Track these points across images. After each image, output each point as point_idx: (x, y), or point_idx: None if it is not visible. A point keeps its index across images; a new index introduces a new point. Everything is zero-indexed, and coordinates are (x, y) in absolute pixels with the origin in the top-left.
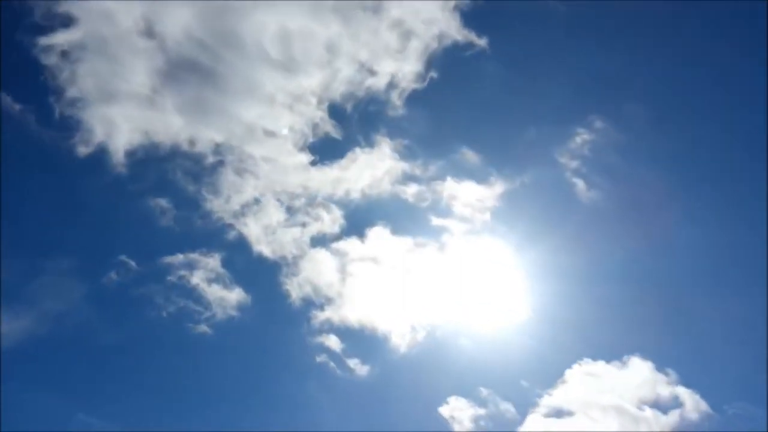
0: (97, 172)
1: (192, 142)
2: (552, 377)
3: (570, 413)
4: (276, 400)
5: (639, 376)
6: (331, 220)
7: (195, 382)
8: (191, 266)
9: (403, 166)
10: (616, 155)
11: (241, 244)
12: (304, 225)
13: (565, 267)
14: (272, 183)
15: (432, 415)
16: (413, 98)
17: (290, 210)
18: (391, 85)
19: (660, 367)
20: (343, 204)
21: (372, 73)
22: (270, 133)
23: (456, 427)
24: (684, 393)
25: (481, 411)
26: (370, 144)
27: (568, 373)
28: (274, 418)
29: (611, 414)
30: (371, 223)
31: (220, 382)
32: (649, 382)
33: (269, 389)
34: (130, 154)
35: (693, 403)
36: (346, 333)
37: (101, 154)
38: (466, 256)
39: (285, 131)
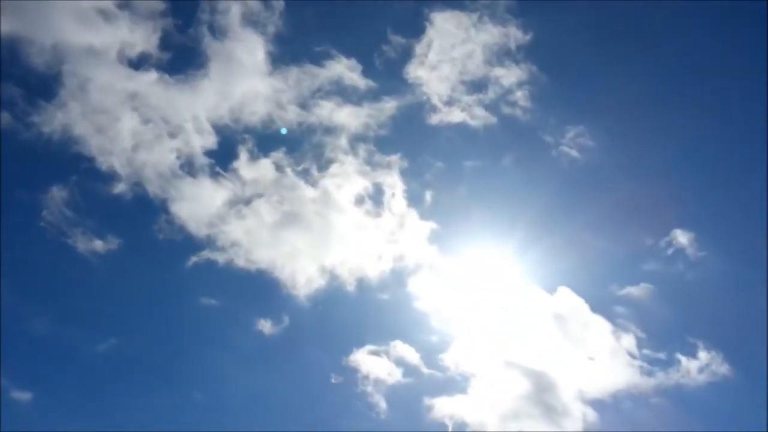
0: None
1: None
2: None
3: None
4: (173, 366)
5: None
6: (200, 147)
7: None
8: (37, 205)
9: (274, 84)
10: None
11: (95, 175)
12: (170, 151)
13: (461, 200)
14: (126, 100)
15: (341, 369)
16: None
17: (154, 134)
18: None
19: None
20: (214, 128)
21: None
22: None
23: (368, 379)
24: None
25: (391, 363)
26: (232, 53)
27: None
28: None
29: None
30: (245, 152)
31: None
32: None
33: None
34: None
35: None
36: (239, 280)
37: None
38: (353, 192)
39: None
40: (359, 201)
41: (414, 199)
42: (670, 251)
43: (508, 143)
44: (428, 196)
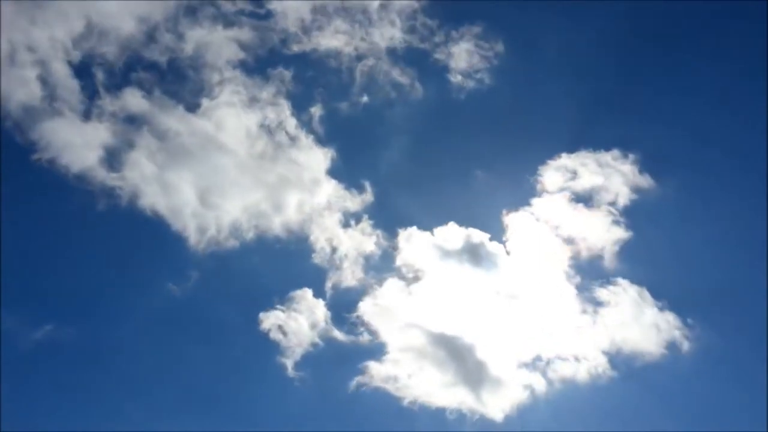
0: None
1: None
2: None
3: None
4: None
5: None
6: (64, 78)
7: None
8: None
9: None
10: None
11: None
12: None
13: (352, 127)
14: None
15: (251, 328)
16: None
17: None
18: None
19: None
20: (76, 57)
21: None
22: None
23: (279, 336)
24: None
25: (303, 321)
26: None
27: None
28: None
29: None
30: (112, 84)
31: None
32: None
33: None
34: None
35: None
36: (130, 232)
37: None
38: (242, 126)
39: None
40: (250, 136)
41: (307, 129)
42: (560, 174)
43: (390, 66)
44: (319, 124)
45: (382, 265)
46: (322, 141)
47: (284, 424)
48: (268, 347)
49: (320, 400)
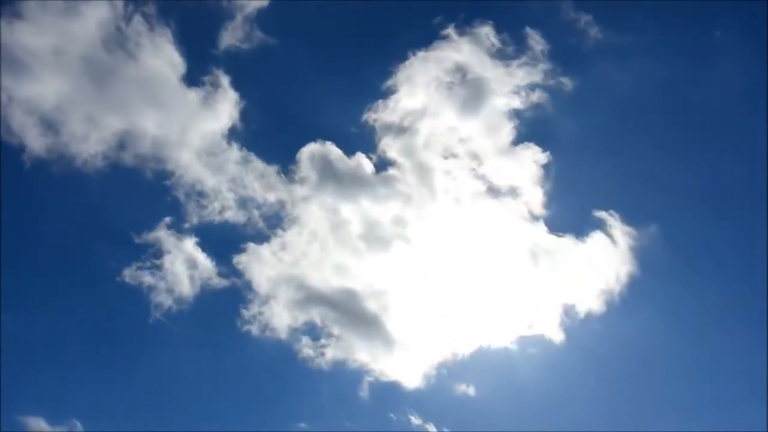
0: None
1: None
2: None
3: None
4: None
5: None
6: None
7: None
8: None
9: None
10: None
11: None
12: None
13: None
14: None
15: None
16: None
17: None
18: None
19: None
20: None
21: None
22: None
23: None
24: None
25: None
26: None
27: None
28: None
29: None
30: None
31: None
32: None
33: None
34: None
35: None
36: None
37: None
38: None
39: None
40: (85, 42)
41: (147, 24)
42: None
43: None
44: (162, 19)
45: (256, 198)
46: (168, 38)
47: (164, 381)
48: (136, 296)
49: (201, 352)
